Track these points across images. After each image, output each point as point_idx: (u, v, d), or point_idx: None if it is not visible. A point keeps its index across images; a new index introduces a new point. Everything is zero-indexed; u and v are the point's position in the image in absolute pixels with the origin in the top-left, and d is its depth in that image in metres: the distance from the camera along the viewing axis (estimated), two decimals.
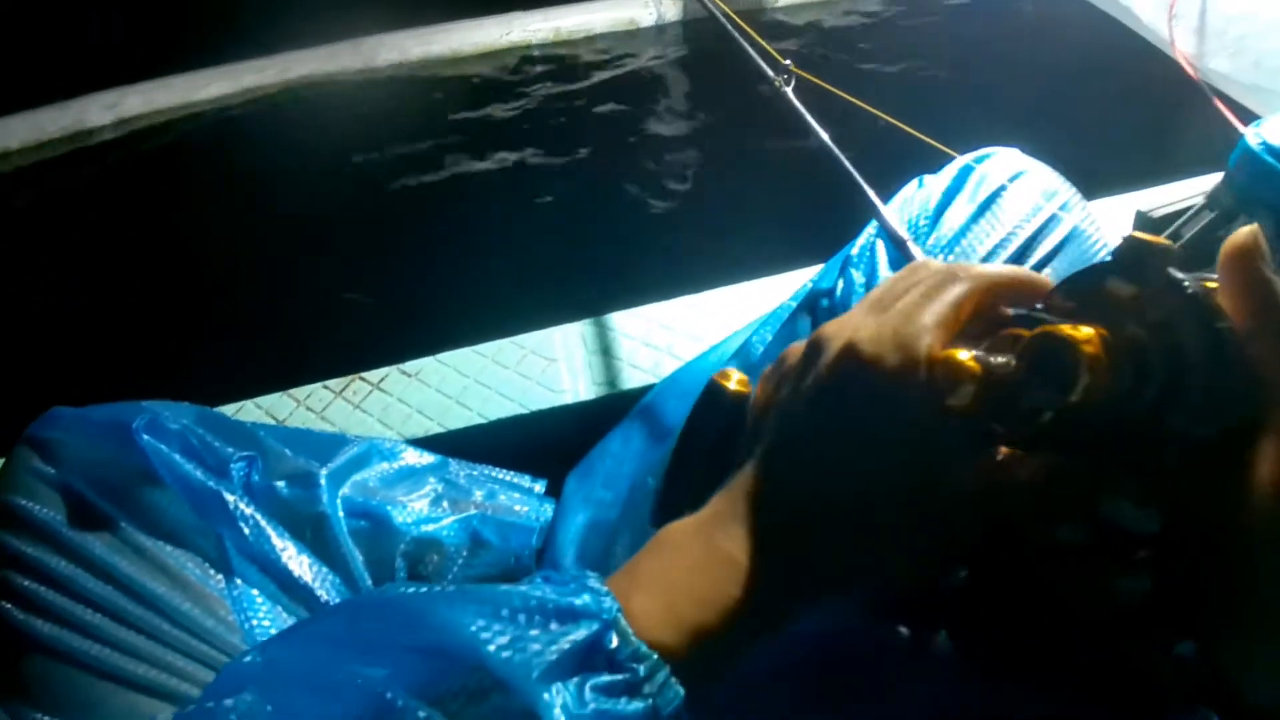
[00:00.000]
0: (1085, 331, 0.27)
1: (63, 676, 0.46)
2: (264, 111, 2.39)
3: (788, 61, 0.77)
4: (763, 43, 0.82)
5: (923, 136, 0.72)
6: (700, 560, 0.33)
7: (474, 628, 0.29)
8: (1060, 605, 0.36)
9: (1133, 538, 0.29)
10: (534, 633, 0.29)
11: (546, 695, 0.28)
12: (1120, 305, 0.29)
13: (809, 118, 0.70)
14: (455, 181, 2.07)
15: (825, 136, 0.68)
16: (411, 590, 0.32)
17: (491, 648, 0.29)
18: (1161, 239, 0.29)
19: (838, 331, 0.36)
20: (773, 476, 0.35)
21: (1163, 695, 0.35)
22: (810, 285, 0.63)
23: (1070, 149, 0.59)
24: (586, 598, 0.31)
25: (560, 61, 2.47)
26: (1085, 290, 0.31)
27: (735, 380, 0.41)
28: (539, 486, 0.73)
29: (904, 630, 0.41)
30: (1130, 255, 0.29)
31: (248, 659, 0.32)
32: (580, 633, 0.30)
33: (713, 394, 0.41)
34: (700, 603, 0.32)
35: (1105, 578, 0.31)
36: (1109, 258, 0.30)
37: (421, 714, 0.27)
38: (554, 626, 0.30)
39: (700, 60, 2.40)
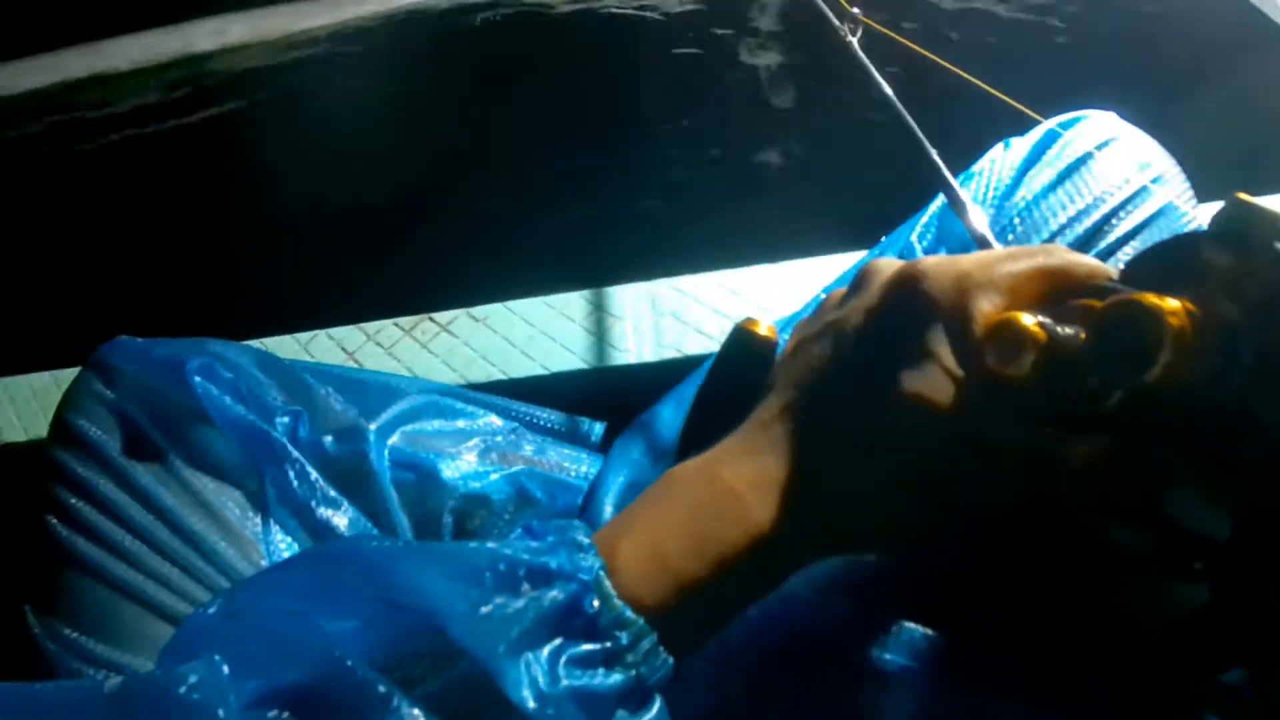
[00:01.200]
0: (1171, 303, 0.24)
1: (96, 596, 0.47)
2: (360, 44, 2.40)
3: (856, 9, 0.67)
4: None
5: (1010, 100, 0.64)
6: (700, 498, 0.30)
7: (436, 589, 0.26)
8: (1098, 608, 0.33)
9: (1195, 542, 0.26)
10: (501, 599, 0.26)
11: (514, 671, 0.25)
12: (1212, 277, 0.25)
13: (876, 75, 0.61)
14: (548, 127, 2.04)
15: (891, 94, 0.58)
16: (374, 544, 0.29)
17: (453, 614, 0.25)
18: (1272, 207, 0.25)
19: (892, 262, 0.32)
20: (791, 408, 0.31)
21: None
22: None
23: (1173, 142, 0.51)
24: (563, 556, 0.28)
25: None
26: (1171, 259, 0.27)
27: (765, 327, 0.38)
28: (597, 428, 0.71)
29: (888, 619, 0.38)
30: (1233, 220, 0.25)
31: (212, 609, 0.29)
32: (555, 595, 0.27)
33: (739, 339, 0.38)
34: (693, 545, 0.29)
35: (1160, 583, 0.28)
36: (1203, 228, 0.26)
37: (381, 688, 0.24)
38: (526, 589, 0.26)
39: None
